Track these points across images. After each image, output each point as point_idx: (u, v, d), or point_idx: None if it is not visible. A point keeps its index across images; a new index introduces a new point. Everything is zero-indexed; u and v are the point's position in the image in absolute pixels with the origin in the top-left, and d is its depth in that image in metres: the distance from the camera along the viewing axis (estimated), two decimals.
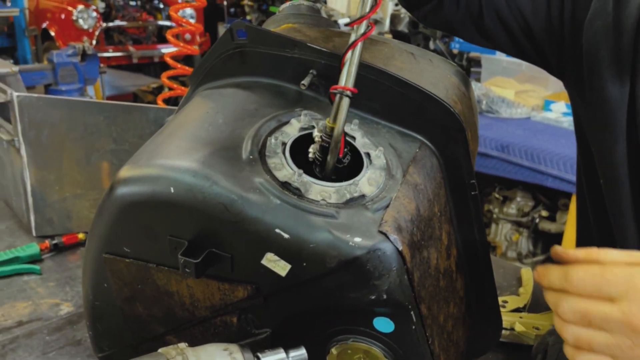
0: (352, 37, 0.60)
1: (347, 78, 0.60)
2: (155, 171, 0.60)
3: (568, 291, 0.54)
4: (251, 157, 0.61)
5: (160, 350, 0.55)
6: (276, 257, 0.57)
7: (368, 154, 0.64)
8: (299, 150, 0.63)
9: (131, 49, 6.20)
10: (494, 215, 2.87)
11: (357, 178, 0.61)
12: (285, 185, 0.59)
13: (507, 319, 0.90)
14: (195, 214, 0.58)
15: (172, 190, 0.58)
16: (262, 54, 0.70)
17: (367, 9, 0.60)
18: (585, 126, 0.92)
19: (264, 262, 0.57)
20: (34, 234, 1.20)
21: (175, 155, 0.61)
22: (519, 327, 0.93)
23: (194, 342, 0.59)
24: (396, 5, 4.08)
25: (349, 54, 0.60)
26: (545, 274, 0.57)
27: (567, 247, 0.59)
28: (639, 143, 0.77)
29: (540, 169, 2.42)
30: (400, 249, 0.56)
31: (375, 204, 0.59)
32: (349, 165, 0.64)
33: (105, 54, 5.80)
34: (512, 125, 2.77)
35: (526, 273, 1.12)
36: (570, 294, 0.54)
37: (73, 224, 1.21)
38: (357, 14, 0.61)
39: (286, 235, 0.56)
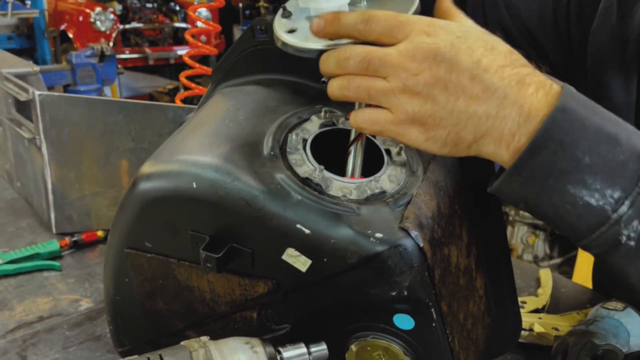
0: (354, 132, 0.60)
1: (353, 169, 0.61)
2: (178, 167, 0.60)
3: (357, 35, 0.53)
4: (272, 153, 0.61)
5: (182, 343, 0.55)
6: (297, 253, 0.57)
7: (388, 151, 0.64)
8: (319, 146, 0.64)
9: (147, 50, 6.26)
10: (510, 218, 2.86)
11: (377, 174, 0.61)
12: (306, 181, 0.59)
13: (526, 319, 0.90)
14: (217, 209, 0.58)
15: (194, 185, 0.58)
16: (282, 51, 0.71)
17: None
18: None
19: (284, 257, 0.58)
20: (54, 231, 1.21)
21: (198, 151, 0.62)
22: (538, 328, 0.92)
23: (213, 338, 0.60)
24: None
25: (355, 145, 0.61)
26: (339, 15, 0.54)
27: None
28: None
29: None
30: (421, 245, 0.56)
31: (396, 201, 0.59)
32: (370, 161, 0.64)
33: (122, 56, 5.86)
34: None
35: (544, 274, 1.11)
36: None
37: (92, 222, 1.22)
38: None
39: (307, 231, 0.56)
